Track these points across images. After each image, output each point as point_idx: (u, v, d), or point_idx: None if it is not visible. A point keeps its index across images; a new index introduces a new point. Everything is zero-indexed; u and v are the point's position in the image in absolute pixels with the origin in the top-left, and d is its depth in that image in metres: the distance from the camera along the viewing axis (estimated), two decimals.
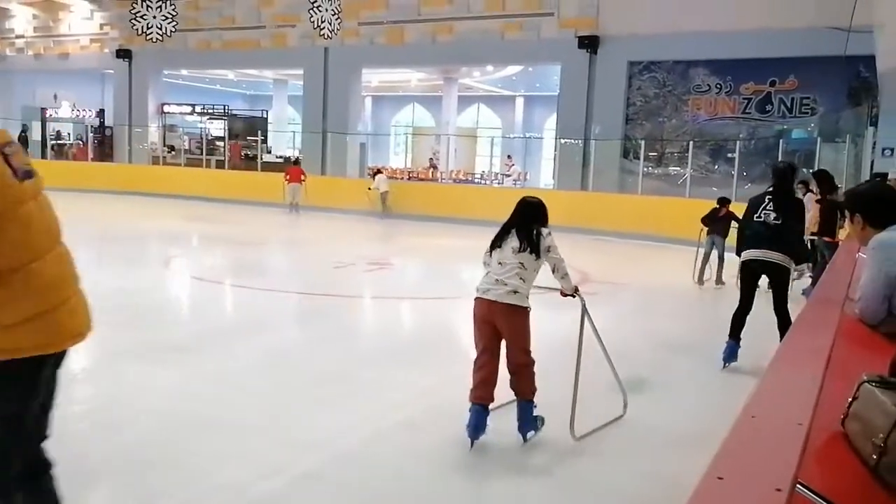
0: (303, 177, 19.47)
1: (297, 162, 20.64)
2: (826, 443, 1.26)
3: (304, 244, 14.86)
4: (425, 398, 5.15)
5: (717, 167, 17.97)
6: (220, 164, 23.72)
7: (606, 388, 4.87)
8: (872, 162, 14.45)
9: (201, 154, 24.23)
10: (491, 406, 4.23)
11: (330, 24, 19.52)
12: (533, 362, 4.26)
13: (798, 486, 1.00)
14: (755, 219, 5.90)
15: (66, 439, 2.85)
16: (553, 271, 4.35)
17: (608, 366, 4.73)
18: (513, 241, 4.19)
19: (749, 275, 5.94)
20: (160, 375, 5.36)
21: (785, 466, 1.05)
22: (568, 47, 18.41)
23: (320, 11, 20.24)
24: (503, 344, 4.21)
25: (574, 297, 4.44)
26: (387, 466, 3.98)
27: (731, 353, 6.01)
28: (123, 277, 9.52)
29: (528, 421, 4.25)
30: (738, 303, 6.02)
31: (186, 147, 25.31)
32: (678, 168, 18.09)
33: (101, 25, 25.69)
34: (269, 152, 24.53)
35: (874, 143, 14.67)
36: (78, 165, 24.75)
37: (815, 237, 9.44)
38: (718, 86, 17.80)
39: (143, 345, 6.13)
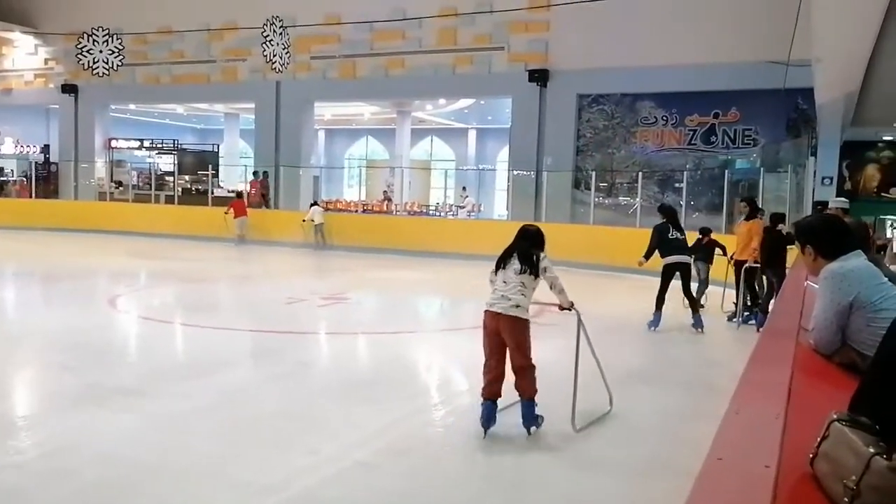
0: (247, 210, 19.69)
1: (240, 195, 20.73)
2: (796, 485, 1.24)
3: (256, 279, 14.61)
4: (385, 436, 5.05)
5: (665, 197, 18.35)
6: (169, 199, 23.29)
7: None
8: (814, 190, 14.93)
9: (150, 189, 23.77)
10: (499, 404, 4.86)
11: (280, 58, 19.48)
12: (533, 367, 4.90)
13: None
14: (670, 237, 9.40)
15: (1, 492, 2.70)
16: (551, 288, 5.13)
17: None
18: (514, 264, 4.95)
19: (671, 270, 9.30)
20: (107, 420, 5.15)
21: None
22: (518, 81, 18.71)
23: (272, 45, 20.19)
24: (507, 350, 4.91)
25: (570, 310, 5.14)
26: None
27: (656, 321, 9.23)
28: (69, 317, 9.21)
29: (531, 417, 4.91)
30: (658, 290, 9.27)
31: (135, 182, 24.83)
32: (628, 198, 18.42)
33: (46, 60, 25.23)
34: (221, 186, 24.25)
35: (814, 173, 15.17)
36: (20, 203, 24.03)
37: (757, 265, 9.72)
38: (665, 118, 18.27)
39: (89, 388, 5.90)
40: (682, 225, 9.98)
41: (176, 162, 25.26)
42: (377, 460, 4.56)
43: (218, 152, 27.85)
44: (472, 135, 32.30)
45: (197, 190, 23.74)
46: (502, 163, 27.24)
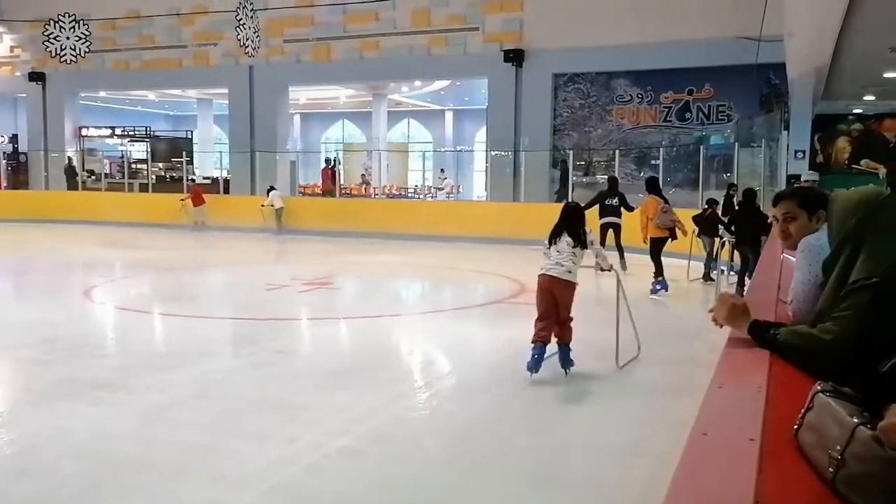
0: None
1: (193, 181, 21.04)
2: (780, 457, 1.24)
3: (234, 266, 14.49)
4: (367, 422, 5.01)
5: (642, 174, 18.42)
6: (143, 188, 22.99)
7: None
8: (787, 164, 15.07)
9: (123, 178, 23.44)
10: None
11: (252, 42, 19.21)
12: (572, 319, 5.95)
13: None
14: (606, 203, 12.14)
15: None
16: (596, 256, 6.40)
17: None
18: (566, 238, 6.01)
19: (605, 228, 11.91)
20: (83, 414, 5.07)
21: (743, 487, 1.01)
22: (494, 61, 18.62)
23: (244, 29, 19.90)
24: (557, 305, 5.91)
25: (610, 271, 6.48)
26: (329, 497, 3.84)
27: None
28: (43, 310, 9.05)
29: (567, 359, 5.94)
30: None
31: (107, 171, 24.45)
32: (606, 176, 18.47)
33: (12, 48, 24.70)
34: (195, 174, 24.01)
35: (787, 146, 15.30)
36: None
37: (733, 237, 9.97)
38: (640, 95, 18.30)
39: (65, 381, 5.80)
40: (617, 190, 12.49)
41: (149, 149, 24.91)
42: (359, 447, 4.53)
43: (192, 139, 27.51)
44: (448, 116, 32.16)
45: (171, 177, 23.47)
46: (480, 144, 27.19)
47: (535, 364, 5.74)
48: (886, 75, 12.41)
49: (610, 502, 3.79)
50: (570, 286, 5.95)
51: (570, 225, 6.11)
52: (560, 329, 5.93)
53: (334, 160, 22.06)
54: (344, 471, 4.16)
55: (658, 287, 10.35)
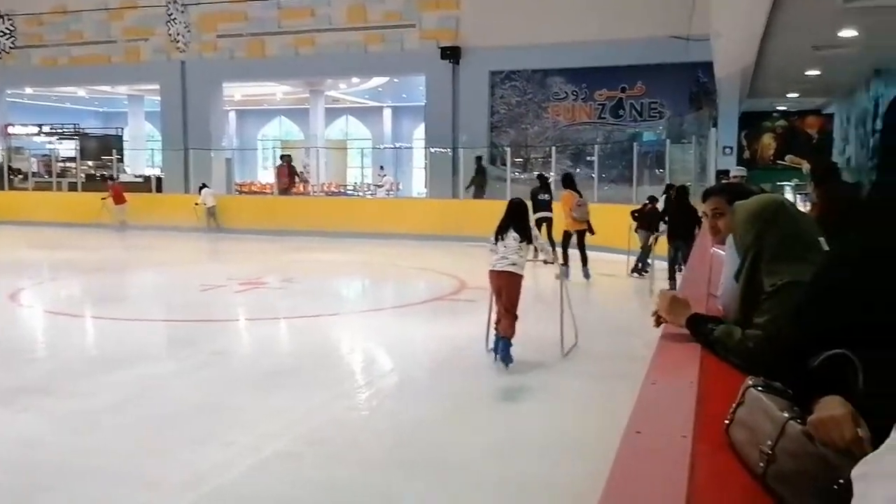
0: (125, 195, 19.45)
1: (112, 179, 20.53)
2: (712, 453, 1.26)
3: (168, 266, 14.09)
4: (305, 423, 4.95)
5: (578, 170, 18.70)
6: (72, 187, 22.16)
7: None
8: (716, 160, 15.55)
9: (51, 177, 22.55)
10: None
11: (184, 37, 18.73)
12: (516, 315, 6.06)
13: None
14: (539, 198, 11.93)
15: None
16: (540, 250, 6.73)
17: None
18: (513, 234, 6.20)
19: (539, 223, 10.95)
20: (9, 422, 4.87)
21: (675, 485, 1.03)
22: (431, 58, 18.61)
23: (175, 24, 19.40)
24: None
25: (553, 263, 7.04)
26: (266, 501, 3.77)
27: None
28: None
29: (507, 355, 6.00)
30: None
31: (35, 170, 23.48)
32: (541, 172, 18.69)
33: None
34: (126, 172, 23.31)
35: (716, 143, 15.80)
36: None
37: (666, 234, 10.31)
38: (575, 93, 18.59)
39: None
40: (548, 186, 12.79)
41: (78, 147, 24.07)
42: (297, 449, 4.47)
43: (122, 136, 26.68)
44: (387, 113, 32.01)
45: (102, 176, 22.69)
46: (419, 140, 27.12)
47: (504, 356, 6.01)
48: (809, 73, 12.92)
49: (548, 500, 3.83)
50: (517, 278, 6.20)
51: (516, 220, 6.31)
52: (502, 319, 6.08)
53: (287, 157, 21.56)
54: (281, 474, 4.10)
55: (564, 275, 10.70)
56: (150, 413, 5.10)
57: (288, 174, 21.17)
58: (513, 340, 6.03)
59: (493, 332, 6.29)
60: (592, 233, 11.22)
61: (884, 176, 11.23)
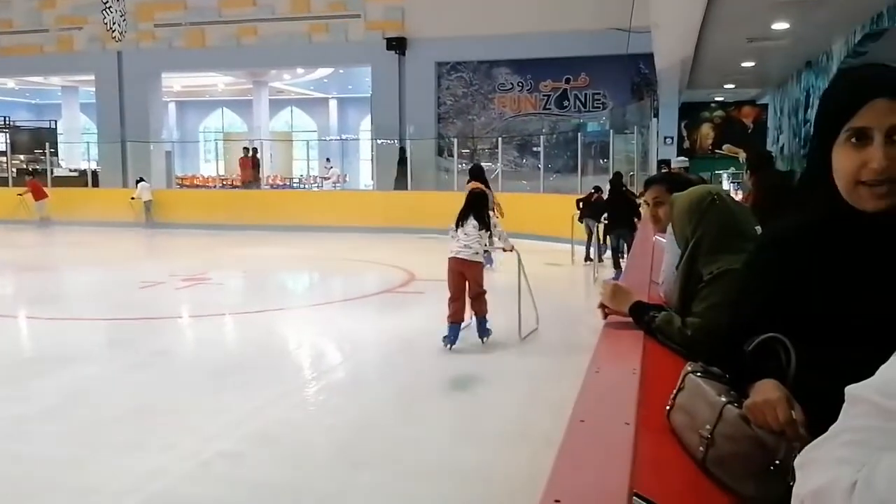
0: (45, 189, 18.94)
1: (33, 174, 20.01)
2: (655, 439, 1.26)
3: (105, 263, 13.62)
4: (250, 423, 4.83)
5: (524, 161, 18.86)
6: (3, 182, 21.31)
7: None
8: (658, 150, 15.87)
9: None
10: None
11: (120, 26, 18.15)
12: (485, 292, 6.50)
13: (635, 497, 0.98)
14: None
15: None
16: (498, 238, 6.91)
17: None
18: (472, 222, 6.49)
19: None
20: None
21: (619, 473, 1.02)
22: (376, 49, 18.47)
23: (111, 13, 18.77)
24: (467, 284, 6.44)
25: (512, 251, 6.95)
26: None
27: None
28: None
29: (484, 329, 6.52)
30: None
31: None
32: (490, 163, 18.75)
33: None
34: (60, 166, 22.53)
35: (657, 133, 16.12)
36: None
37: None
38: (520, 84, 18.70)
39: None
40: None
41: (8, 141, 23.14)
42: (240, 450, 4.35)
43: (56, 129, 25.75)
44: (333, 104, 31.65)
45: (35, 170, 21.86)
46: (365, 132, 26.92)
47: (452, 340, 6.32)
48: (744, 65, 13.24)
49: (496, 490, 3.83)
50: (478, 266, 6.56)
51: (476, 209, 6.61)
52: (475, 303, 6.48)
53: (254, 150, 21.07)
54: (225, 476, 3.99)
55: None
56: (86, 417, 4.90)
57: (252, 166, 20.73)
58: (461, 326, 6.41)
59: (462, 320, 6.49)
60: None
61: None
